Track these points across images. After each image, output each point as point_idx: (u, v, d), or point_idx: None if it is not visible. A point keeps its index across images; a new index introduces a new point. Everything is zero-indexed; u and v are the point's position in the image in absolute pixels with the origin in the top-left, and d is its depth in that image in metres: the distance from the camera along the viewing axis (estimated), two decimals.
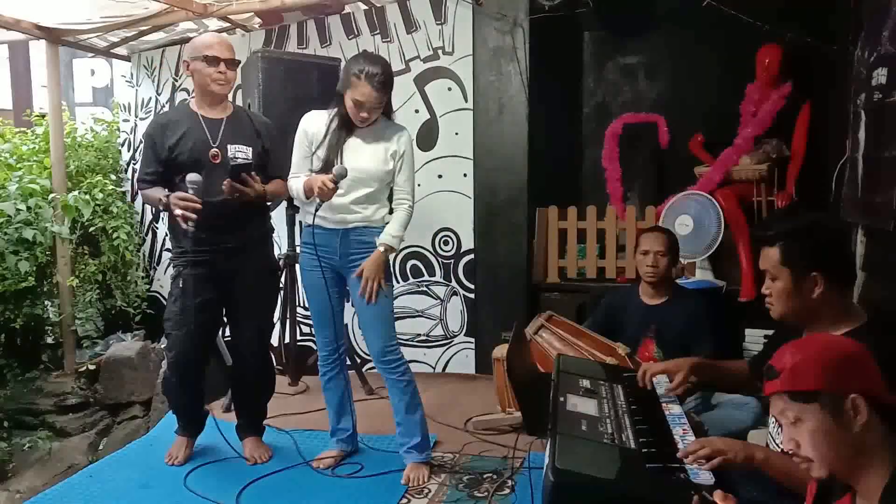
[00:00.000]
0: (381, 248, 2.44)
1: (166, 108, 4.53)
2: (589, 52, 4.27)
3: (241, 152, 2.54)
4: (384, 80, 2.36)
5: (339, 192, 2.39)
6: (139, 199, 4.73)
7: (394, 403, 2.57)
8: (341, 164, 2.40)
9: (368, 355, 3.91)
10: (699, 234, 3.44)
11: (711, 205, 3.42)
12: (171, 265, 2.65)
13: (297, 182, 2.47)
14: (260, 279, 2.68)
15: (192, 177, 2.38)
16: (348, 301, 2.63)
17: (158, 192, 2.47)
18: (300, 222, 4.03)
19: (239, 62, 2.60)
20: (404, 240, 2.56)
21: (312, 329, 4.12)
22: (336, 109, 2.45)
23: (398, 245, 2.50)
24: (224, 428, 2.77)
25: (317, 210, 2.42)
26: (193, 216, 2.35)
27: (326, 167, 2.41)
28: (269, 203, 2.81)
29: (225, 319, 2.77)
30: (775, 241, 1.62)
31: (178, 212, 2.35)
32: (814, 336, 1.52)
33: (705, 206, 3.44)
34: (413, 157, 2.55)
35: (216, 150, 2.51)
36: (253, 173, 2.47)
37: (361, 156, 2.45)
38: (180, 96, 4.48)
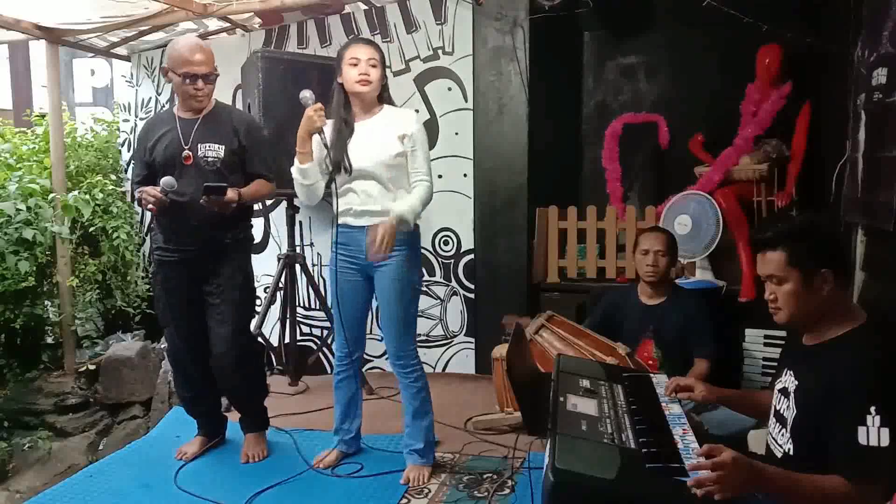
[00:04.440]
0: (393, 218, 2.32)
1: (167, 108, 4.55)
2: (589, 52, 4.27)
3: (211, 151, 2.56)
4: (369, 40, 2.47)
5: (353, 186, 2.42)
6: None
7: (404, 405, 2.58)
8: (349, 160, 2.42)
9: (370, 355, 3.94)
10: (698, 234, 3.43)
11: (710, 204, 3.41)
12: (151, 262, 2.68)
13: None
14: (231, 285, 2.65)
15: (166, 180, 2.45)
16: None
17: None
18: (300, 222, 4.05)
19: (217, 75, 2.58)
20: (420, 217, 2.46)
21: (312, 329, 4.17)
22: (333, 107, 2.46)
23: (412, 218, 2.37)
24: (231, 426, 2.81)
25: (338, 208, 2.46)
26: (152, 208, 2.46)
27: (336, 167, 2.44)
28: (253, 206, 2.80)
29: None
30: (777, 244, 1.61)
31: (143, 203, 2.46)
32: None
33: (704, 206, 3.44)
34: (426, 140, 2.52)
35: (187, 151, 2.54)
36: (228, 190, 2.47)
37: (367, 147, 2.43)
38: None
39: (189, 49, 2.51)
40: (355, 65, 2.40)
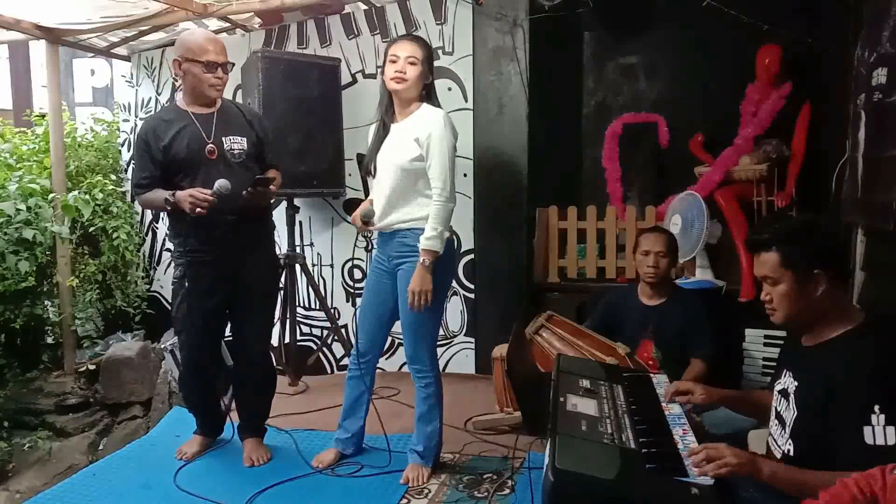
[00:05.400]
0: (422, 260, 2.30)
1: (168, 105, 4.53)
2: (589, 52, 4.27)
3: (236, 143, 2.55)
4: (415, 37, 2.43)
5: (378, 190, 2.44)
6: None
7: (415, 406, 2.59)
8: (375, 163, 2.45)
9: None
10: (687, 233, 3.43)
11: (697, 203, 3.40)
12: (174, 265, 2.65)
13: None
14: (264, 277, 2.71)
15: (222, 183, 2.37)
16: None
17: (160, 193, 2.45)
18: (300, 222, 4.05)
19: (233, 64, 2.59)
20: (448, 233, 2.37)
21: (312, 329, 4.17)
22: (377, 106, 2.48)
23: (440, 246, 2.31)
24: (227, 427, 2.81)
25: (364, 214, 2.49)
26: (202, 211, 2.36)
27: (366, 170, 2.48)
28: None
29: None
30: (771, 245, 1.61)
31: (187, 207, 2.36)
32: None
33: (692, 205, 3.43)
34: (446, 141, 2.34)
35: (212, 145, 2.51)
36: (272, 185, 2.50)
37: (389, 150, 2.42)
38: (180, 96, 4.47)
39: (207, 38, 2.51)
40: (394, 62, 2.35)
